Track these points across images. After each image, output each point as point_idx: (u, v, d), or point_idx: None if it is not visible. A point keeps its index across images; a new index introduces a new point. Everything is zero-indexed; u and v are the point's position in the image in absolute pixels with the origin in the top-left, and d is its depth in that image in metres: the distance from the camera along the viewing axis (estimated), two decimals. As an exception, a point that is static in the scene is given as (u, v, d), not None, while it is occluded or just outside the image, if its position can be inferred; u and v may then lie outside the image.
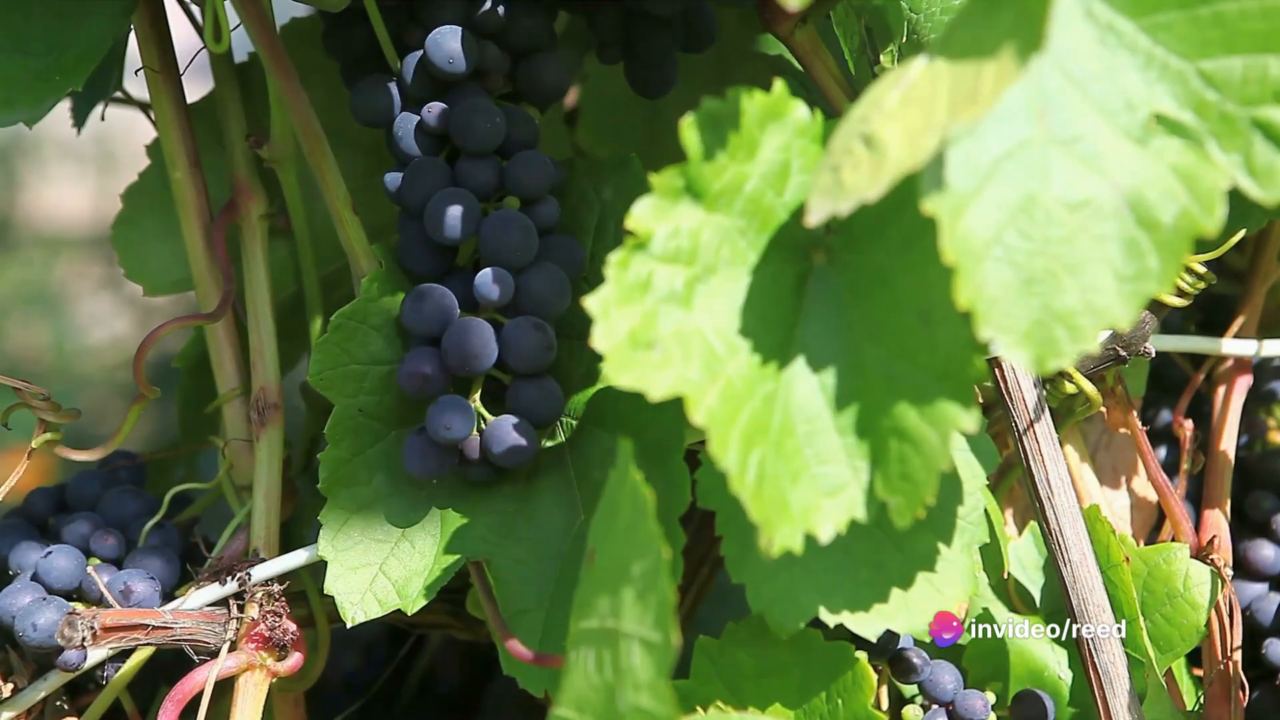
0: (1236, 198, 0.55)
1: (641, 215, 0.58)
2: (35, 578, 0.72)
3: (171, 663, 0.76)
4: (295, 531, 0.79)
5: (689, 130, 0.58)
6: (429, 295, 0.68)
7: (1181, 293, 0.74)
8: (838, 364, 0.59)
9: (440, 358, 0.68)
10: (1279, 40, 0.53)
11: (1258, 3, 0.52)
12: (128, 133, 0.92)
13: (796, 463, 0.58)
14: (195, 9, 0.75)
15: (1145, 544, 0.79)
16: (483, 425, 0.69)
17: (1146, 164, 0.54)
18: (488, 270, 0.68)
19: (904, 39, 0.71)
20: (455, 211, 0.68)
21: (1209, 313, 0.89)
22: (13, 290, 2.49)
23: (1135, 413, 0.79)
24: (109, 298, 2.42)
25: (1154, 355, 0.75)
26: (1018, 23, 0.50)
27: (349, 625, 0.69)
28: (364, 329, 0.70)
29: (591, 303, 0.56)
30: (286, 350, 0.78)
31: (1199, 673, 0.78)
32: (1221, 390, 0.83)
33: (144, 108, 0.81)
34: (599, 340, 0.56)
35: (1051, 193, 0.53)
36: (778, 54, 0.85)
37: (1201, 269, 0.74)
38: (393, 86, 0.71)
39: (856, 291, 0.60)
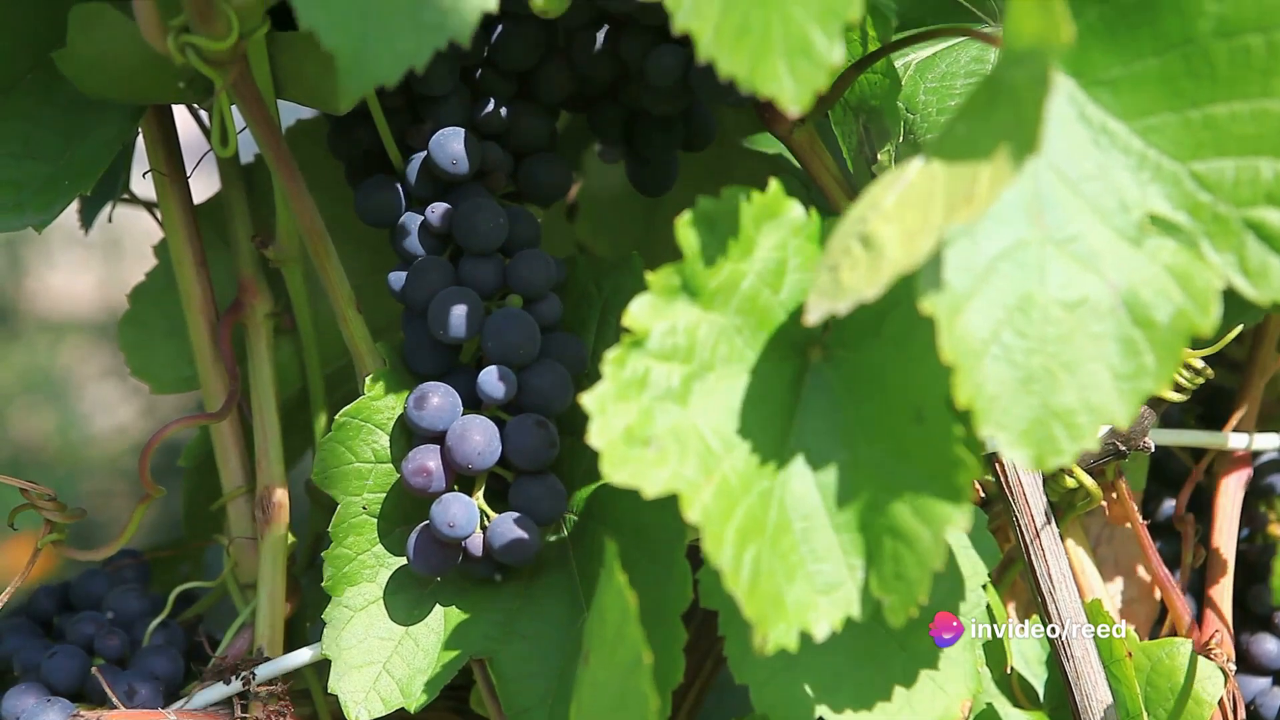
0: (1234, 292, 0.55)
1: (638, 313, 0.58)
2: (39, 678, 0.72)
3: (176, 762, 0.76)
4: (299, 628, 0.79)
5: (685, 229, 0.59)
6: (432, 394, 0.69)
7: (1180, 388, 0.74)
8: (833, 461, 0.60)
9: (444, 455, 0.69)
10: (1269, 143, 0.53)
11: (1247, 106, 0.53)
12: (133, 219, 0.93)
13: (792, 560, 0.58)
14: (203, 113, 0.76)
15: (1148, 638, 0.79)
16: (486, 523, 0.69)
17: (1142, 264, 0.55)
18: (491, 368, 0.69)
19: (901, 139, 0.71)
20: (459, 310, 0.69)
21: (1209, 405, 0.89)
22: (17, 376, 2.50)
23: (1136, 506, 0.79)
24: (114, 385, 2.43)
25: (1154, 449, 0.75)
26: (1012, 125, 0.50)
27: (352, 724, 0.69)
28: (368, 427, 0.70)
29: (588, 399, 0.57)
30: (291, 446, 0.79)
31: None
32: (1222, 484, 0.83)
33: (150, 207, 0.82)
34: (595, 437, 0.56)
35: (1048, 292, 0.54)
36: (776, 152, 0.86)
37: (1200, 364, 0.74)
38: (397, 187, 0.72)
39: (852, 389, 0.60)
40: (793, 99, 0.54)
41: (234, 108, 0.67)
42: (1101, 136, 0.56)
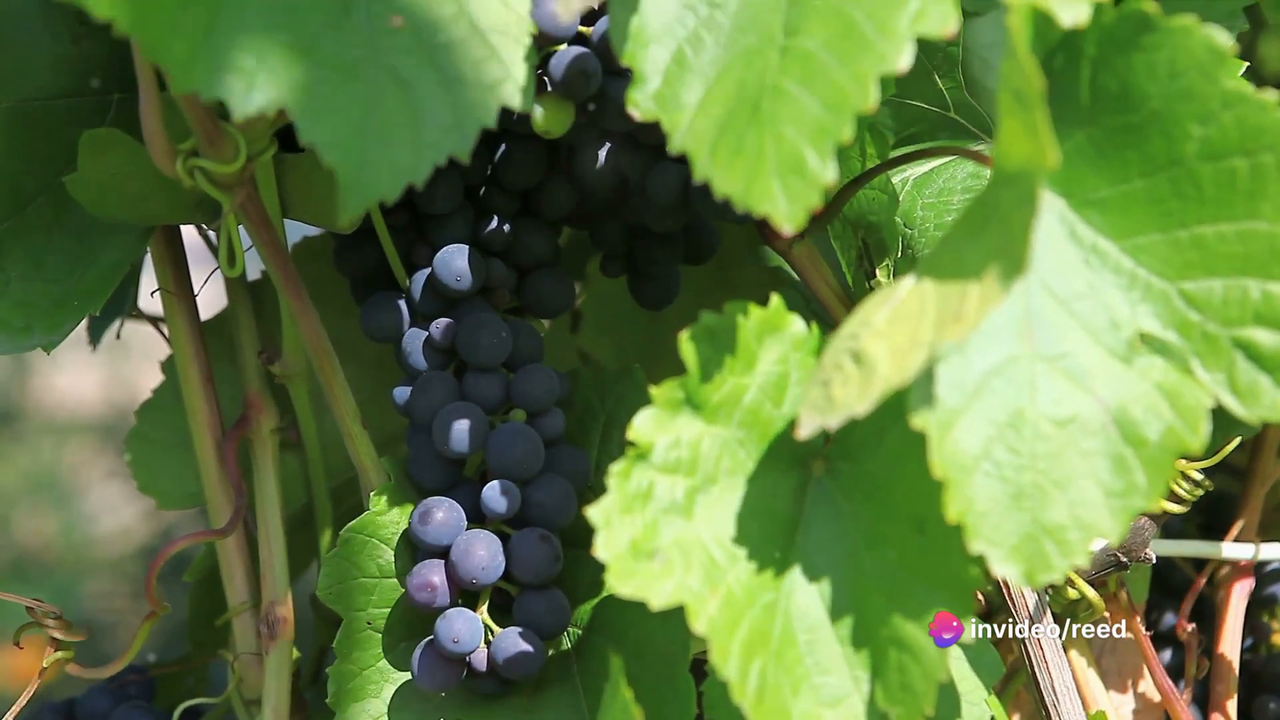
0: (1228, 404, 0.56)
1: (642, 427, 0.59)
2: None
3: None
4: (304, 744, 0.80)
5: (687, 345, 0.59)
6: (437, 508, 0.69)
7: (1179, 499, 0.75)
8: (837, 573, 0.60)
9: (448, 570, 0.69)
10: (1256, 263, 0.54)
11: (1233, 227, 0.54)
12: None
13: (798, 672, 0.59)
14: (211, 233, 0.77)
15: (1153, 749, 0.79)
16: (490, 637, 0.70)
17: (1132, 381, 0.55)
18: (495, 483, 0.70)
19: (899, 254, 0.72)
20: (463, 425, 0.70)
21: (1210, 513, 0.90)
22: (21, 478, 2.50)
23: (1139, 617, 0.79)
24: (118, 486, 2.43)
25: (1155, 561, 0.75)
26: (1001, 246, 0.51)
27: (357, 841, 0.69)
28: (373, 542, 0.71)
29: (594, 513, 0.57)
30: (296, 560, 0.79)
31: None
32: (1224, 594, 0.83)
33: (156, 322, 0.83)
34: (601, 550, 0.57)
35: (1039, 408, 0.55)
36: (777, 265, 0.87)
37: (1199, 475, 0.75)
38: (401, 303, 0.73)
39: (855, 501, 0.61)
40: (787, 218, 0.55)
41: (241, 227, 0.68)
42: (1092, 255, 0.57)
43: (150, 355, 0.83)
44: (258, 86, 0.54)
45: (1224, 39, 0.54)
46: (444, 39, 0.58)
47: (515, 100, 0.59)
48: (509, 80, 0.59)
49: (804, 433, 0.54)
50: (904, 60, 0.55)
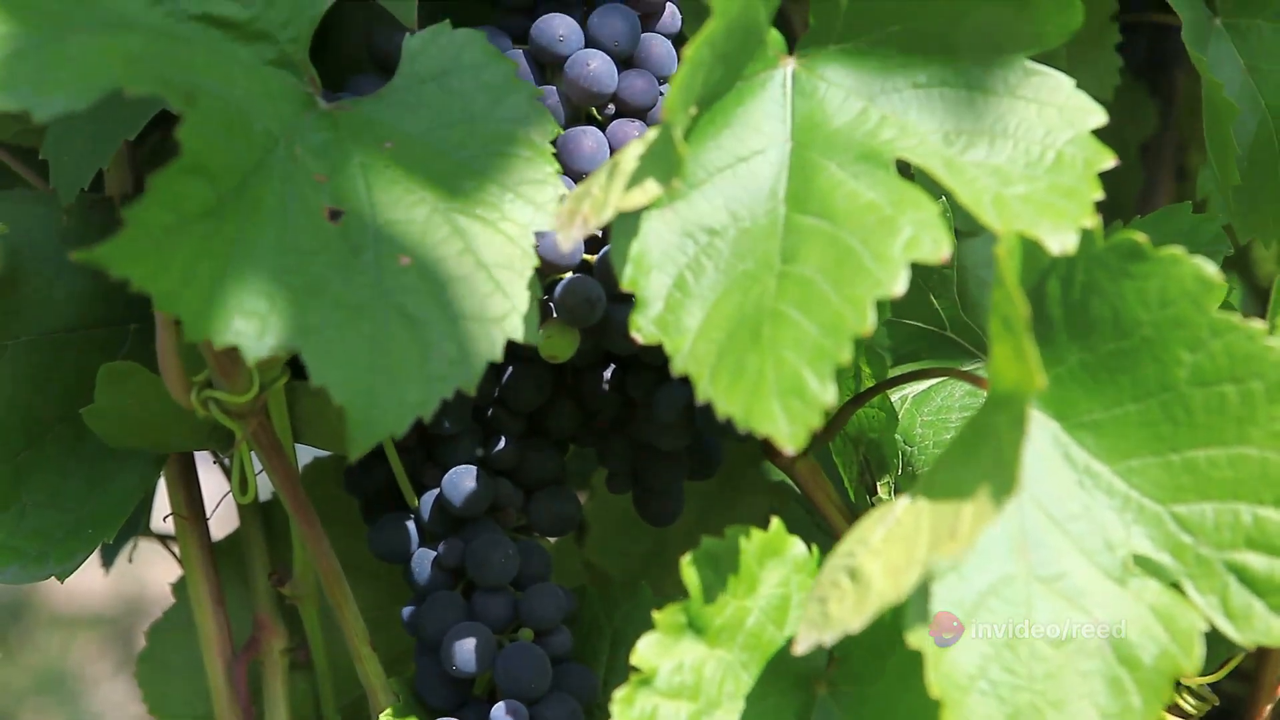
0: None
1: (645, 652, 0.60)
2: None
3: None
4: None
5: (689, 569, 0.60)
6: (445, 732, 0.70)
7: (1185, 714, 0.75)
8: (844, 794, 0.61)
9: (456, 789, 0.69)
10: (1247, 488, 0.55)
11: (1224, 452, 0.55)
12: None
13: None
14: (225, 458, 0.78)
15: None
16: None
17: (1127, 603, 0.56)
18: (503, 704, 0.70)
19: (899, 471, 0.74)
20: (471, 645, 0.70)
21: (1222, 716, 0.89)
22: (29, 676, 2.48)
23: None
24: (125, 682, 2.41)
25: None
26: (993, 467, 0.52)
27: None
28: (382, 763, 0.71)
29: (600, 739, 0.58)
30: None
31: None
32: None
33: (167, 541, 0.84)
34: (609, 774, 0.58)
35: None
36: (780, 479, 0.88)
37: (1204, 690, 0.75)
38: (410, 523, 0.74)
39: (859, 723, 0.61)
40: (788, 438, 0.56)
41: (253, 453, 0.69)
42: (1086, 477, 0.58)
43: (158, 548, 0.84)
44: (269, 330, 0.56)
45: (1212, 270, 0.56)
46: (449, 275, 0.60)
47: (519, 334, 0.60)
48: (513, 314, 0.60)
49: (801, 649, 0.55)
50: (898, 285, 0.56)
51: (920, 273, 0.76)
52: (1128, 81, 0.97)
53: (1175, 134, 1.06)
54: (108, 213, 0.73)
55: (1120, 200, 1.01)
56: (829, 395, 0.56)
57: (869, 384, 0.72)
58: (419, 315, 0.59)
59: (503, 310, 0.60)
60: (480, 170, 0.61)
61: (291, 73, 0.63)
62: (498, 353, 0.60)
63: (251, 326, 0.56)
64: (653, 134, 0.58)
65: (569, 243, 0.58)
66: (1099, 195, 0.57)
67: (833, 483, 0.75)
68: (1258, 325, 0.55)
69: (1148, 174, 1.05)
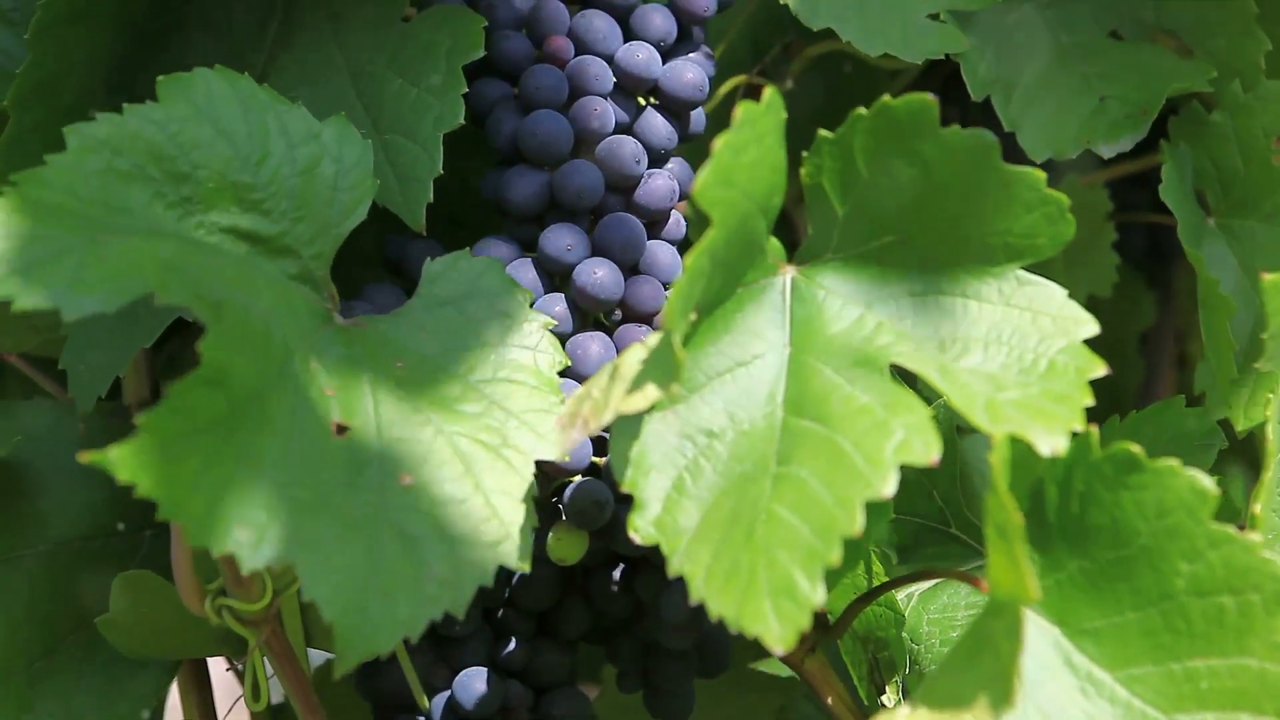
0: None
1: None
2: None
3: None
4: None
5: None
6: None
7: None
8: None
9: None
10: (1248, 698, 0.56)
11: (1224, 662, 0.56)
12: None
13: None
14: (238, 664, 0.79)
15: None
16: None
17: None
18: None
19: (907, 669, 0.74)
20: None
21: None
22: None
23: None
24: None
25: None
26: (992, 676, 0.53)
27: None
28: None
29: None
30: None
31: None
32: None
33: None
34: None
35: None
36: (790, 675, 0.88)
37: None
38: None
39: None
40: (778, 639, 0.57)
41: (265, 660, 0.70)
42: (1088, 685, 0.58)
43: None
44: (266, 541, 0.56)
45: (1206, 482, 0.57)
46: (448, 497, 0.61)
47: (512, 560, 0.61)
48: (508, 540, 0.61)
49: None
50: (889, 487, 0.57)
51: (924, 471, 0.77)
52: (1127, 273, 0.99)
53: (1174, 323, 1.07)
54: (125, 420, 0.74)
55: (1122, 390, 1.03)
56: (818, 596, 0.57)
57: (877, 581, 0.73)
58: (415, 534, 0.59)
59: (497, 536, 0.61)
60: (488, 395, 0.63)
61: (312, 288, 0.65)
62: (489, 578, 0.61)
63: (249, 536, 0.56)
64: (654, 339, 0.59)
65: (568, 443, 0.59)
66: (1090, 402, 0.59)
67: (841, 681, 0.76)
68: (1254, 538, 0.56)
69: (1148, 363, 1.06)
